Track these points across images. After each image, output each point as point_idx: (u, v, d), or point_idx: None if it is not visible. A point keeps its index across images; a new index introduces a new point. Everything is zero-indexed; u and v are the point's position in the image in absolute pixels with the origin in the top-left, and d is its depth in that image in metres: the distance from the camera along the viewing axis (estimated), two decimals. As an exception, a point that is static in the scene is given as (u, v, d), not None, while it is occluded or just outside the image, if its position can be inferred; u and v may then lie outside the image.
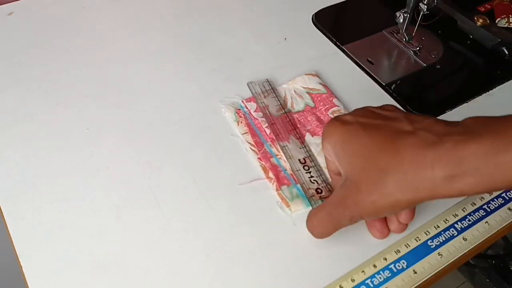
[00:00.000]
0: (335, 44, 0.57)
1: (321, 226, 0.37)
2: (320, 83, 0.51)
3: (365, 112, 0.36)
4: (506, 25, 0.58)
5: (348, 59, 0.55)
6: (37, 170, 0.43)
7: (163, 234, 0.39)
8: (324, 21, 0.60)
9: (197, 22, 0.59)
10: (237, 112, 0.48)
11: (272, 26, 0.59)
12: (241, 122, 0.47)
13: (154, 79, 0.52)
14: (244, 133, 0.46)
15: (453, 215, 0.41)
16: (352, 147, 0.34)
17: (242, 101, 0.49)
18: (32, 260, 0.38)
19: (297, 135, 0.46)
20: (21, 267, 0.37)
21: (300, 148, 0.45)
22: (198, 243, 0.39)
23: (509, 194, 0.43)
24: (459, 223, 0.41)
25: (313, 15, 0.60)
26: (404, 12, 0.54)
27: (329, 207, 0.36)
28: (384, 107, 0.37)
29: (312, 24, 0.59)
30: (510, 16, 0.58)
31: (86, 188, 0.42)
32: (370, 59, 0.55)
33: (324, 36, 0.58)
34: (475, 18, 0.58)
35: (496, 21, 0.58)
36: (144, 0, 0.62)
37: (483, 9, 0.60)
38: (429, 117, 0.34)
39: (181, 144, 0.46)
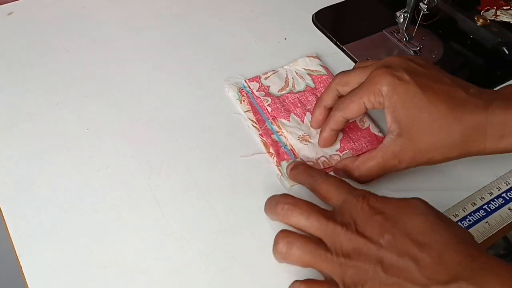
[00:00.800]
0: (335, 44, 0.57)
1: (371, 175, 0.41)
2: (321, 65, 0.53)
3: (411, 68, 0.39)
4: (493, 18, 0.58)
5: (348, 59, 0.55)
6: (37, 170, 0.43)
7: (163, 234, 0.39)
8: (324, 21, 0.60)
9: (197, 22, 0.59)
10: (239, 91, 0.50)
11: (272, 25, 0.59)
12: (244, 101, 0.49)
13: (154, 79, 0.52)
14: (247, 111, 0.48)
15: (453, 215, 0.41)
16: (413, 109, 0.38)
17: (245, 80, 0.51)
18: (32, 260, 0.38)
19: (297, 114, 0.48)
20: (21, 267, 0.37)
21: (300, 125, 0.47)
22: (198, 243, 0.39)
23: (510, 194, 0.43)
24: (459, 223, 0.41)
25: (313, 15, 0.60)
26: (404, 12, 0.54)
27: (381, 160, 0.40)
28: (419, 63, 0.40)
29: (312, 24, 0.59)
30: (495, 8, 0.59)
31: (86, 188, 0.42)
32: (370, 59, 0.55)
33: (324, 36, 0.58)
34: (475, 18, 0.58)
35: (482, 13, 0.59)
36: (144, 0, 0.62)
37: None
38: (469, 83, 0.40)
39: (181, 144, 0.46)
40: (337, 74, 0.44)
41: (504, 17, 0.59)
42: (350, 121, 0.47)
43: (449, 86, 0.39)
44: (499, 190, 0.43)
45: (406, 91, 0.38)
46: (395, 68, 0.39)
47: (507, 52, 0.55)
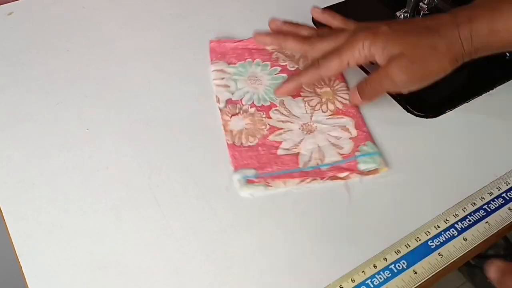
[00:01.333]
0: (335, 44, 0.57)
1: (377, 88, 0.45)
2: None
3: (387, 23, 0.45)
4: None
5: (348, 59, 0.55)
6: (37, 170, 0.43)
7: (163, 234, 0.39)
8: (324, 21, 0.59)
9: (196, 22, 0.59)
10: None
11: (272, 26, 0.59)
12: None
13: (154, 79, 0.52)
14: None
15: (453, 215, 0.41)
16: (400, 42, 0.43)
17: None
18: (32, 260, 0.38)
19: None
20: (21, 267, 0.37)
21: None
22: (198, 243, 0.39)
23: (510, 194, 0.43)
24: (459, 223, 0.41)
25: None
26: (404, 12, 0.54)
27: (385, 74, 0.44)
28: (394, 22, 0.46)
29: (312, 24, 0.59)
30: None
31: (86, 188, 0.42)
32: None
33: (324, 36, 0.58)
34: (475, 18, 0.58)
35: None
36: (144, 0, 0.62)
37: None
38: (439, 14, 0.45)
39: (181, 144, 0.46)
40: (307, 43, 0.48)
41: (504, 17, 0.59)
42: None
43: (423, 19, 0.45)
44: (499, 190, 0.43)
45: (387, 35, 0.43)
46: (375, 26, 0.44)
47: (507, 53, 0.55)
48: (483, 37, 0.42)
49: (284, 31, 0.50)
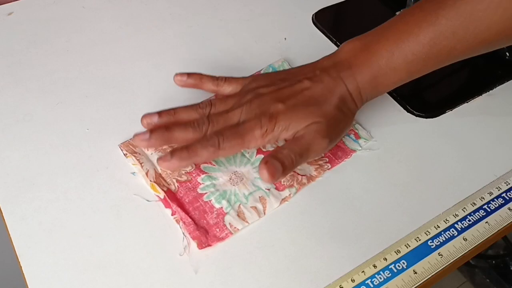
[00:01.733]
0: (335, 44, 0.57)
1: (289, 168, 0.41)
2: None
3: (278, 95, 0.43)
4: None
5: (348, 59, 0.55)
6: (37, 170, 0.43)
7: (163, 234, 0.39)
8: (324, 21, 0.60)
9: (196, 22, 0.59)
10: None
11: (272, 26, 0.59)
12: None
13: (154, 79, 0.52)
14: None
15: (453, 215, 0.41)
16: (304, 115, 0.42)
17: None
18: (32, 260, 0.38)
19: None
20: (21, 267, 0.37)
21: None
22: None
23: (510, 194, 0.43)
24: (459, 223, 0.41)
25: (313, 15, 0.60)
26: (404, 12, 0.54)
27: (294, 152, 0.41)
28: (279, 89, 0.43)
29: (312, 24, 0.59)
30: None
31: (86, 188, 0.42)
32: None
33: (324, 36, 0.58)
34: (475, 18, 0.58)
35: None
36: (144, 0, 0.62)
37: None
38: (315, 64, 0.45)
39: (181, 144, 0.46)
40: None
41: (504, 17, 0.59)
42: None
43: (310, 86, 0.43)
44: (499, 190, 0.43)
45: (285, 113, 0.41)
46: (269, 107, 0.42)
47: (507, 52, 0.55)
48: (370, 85, 0.43)
49: (164, 123, 0.43)
